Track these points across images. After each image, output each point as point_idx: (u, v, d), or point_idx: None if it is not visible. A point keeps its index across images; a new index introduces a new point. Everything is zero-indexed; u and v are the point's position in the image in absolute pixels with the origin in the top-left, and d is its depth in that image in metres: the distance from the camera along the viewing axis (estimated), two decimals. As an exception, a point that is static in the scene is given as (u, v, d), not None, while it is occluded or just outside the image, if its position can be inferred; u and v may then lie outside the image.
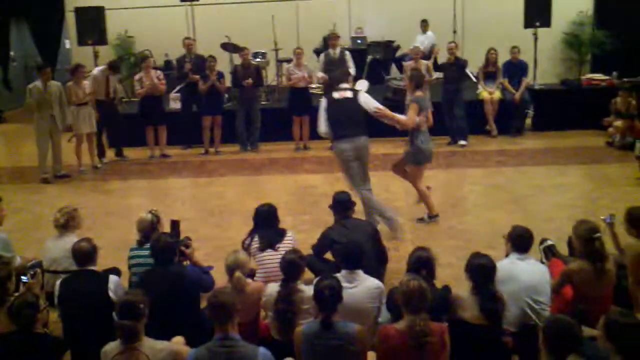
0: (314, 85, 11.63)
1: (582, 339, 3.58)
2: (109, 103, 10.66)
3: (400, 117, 7.20)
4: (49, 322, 4.91)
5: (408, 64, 11.19)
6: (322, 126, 6.90)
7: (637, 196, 7.74)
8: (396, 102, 11.36)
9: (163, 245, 4.72)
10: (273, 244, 5.38)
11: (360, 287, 4.47)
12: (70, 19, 14.54)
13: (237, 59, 11.58)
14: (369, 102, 6.93)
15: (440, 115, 10.95)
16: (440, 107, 10.94)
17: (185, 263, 5.07)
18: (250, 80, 10.74)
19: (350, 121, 6.81)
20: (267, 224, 5.58)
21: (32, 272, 5.12)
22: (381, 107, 6.97)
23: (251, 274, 5.17)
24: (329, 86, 7.60)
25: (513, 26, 12.30)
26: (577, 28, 14.10)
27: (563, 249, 5.64)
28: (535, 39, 11.70)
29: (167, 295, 4.46)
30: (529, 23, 11.71)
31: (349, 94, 6.96)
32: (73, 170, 10.25)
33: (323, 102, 7.01)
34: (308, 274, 5.18)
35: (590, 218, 5.02)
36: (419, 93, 7.22)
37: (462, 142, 10.89)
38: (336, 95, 6.94)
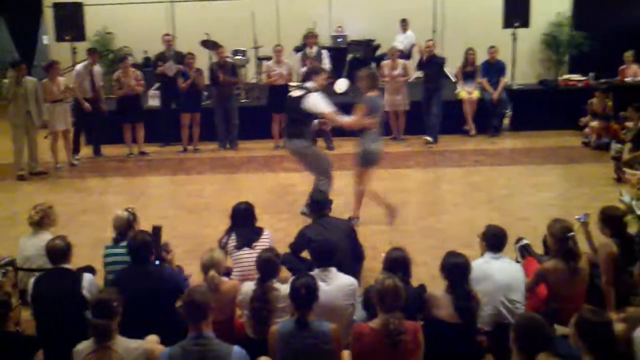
0: (293, 83, 11.61)
1: (552, 337, 3.61)
2: (95, 100, 10.57)
3: (345, 119, 7.12)
4: (20, 320, 4.87)
5: (385, 63, 11.22)
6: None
7: (612, 196, 7.76)
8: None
9: (140, 243, 4.68)
10: (250, 242, 5.36)
11: (333, 285, 4.47)
12: (48, 14, 14.40)
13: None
14: (317, 105, 6.94)
15: (420, 114, 11.02)
16: (420, 106, 10.99)
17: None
18: (222, 75, 10.72)
19: (289, 121, 7.17)
20: (244, 223, 5.56)
21: (3, 270, 5.08)
22: (328, 111, 6.96)
23: (227, 273, 5.16)
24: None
25: (492, 26, 12.40)
26: (555, 29, 14.22)
27: (539, 248, 5.69)
28: (514, 39, 11.79)
29: (143, 294, 4.42)
30: (508, 23, 11.82)
31: (298, 94, 7.06)
32: (49, 167, 10.16)
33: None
34: (286, 272, 5.19)
35: (565, 217, 5.06)
36: (372, 94, 7.08)
37: (428, 138, 10.87)
38: (291, 93, 7.27)
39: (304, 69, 10.57)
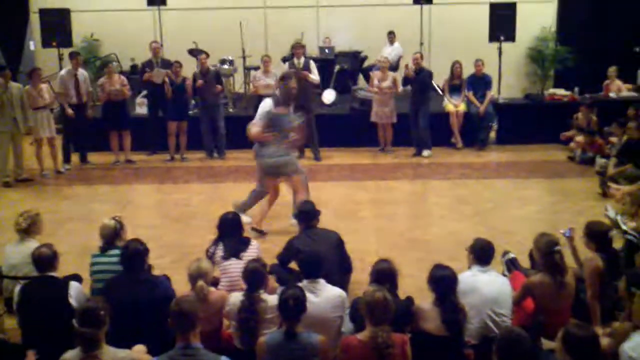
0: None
1: (534, 352, 3.61)
2: (80, 106, 10.51)
3: (251, 130, 7.24)
4: (3, 328, 4.83)
5: (375, 74, 11.28)
6: None
7: (597, 211, 7.84)
8: (363, 112, 11.51)
9: (132, 252, 4.67)
10: (237, 252, 5.35)
11: (322, 296, 4.48)
12: (34, 20, 14.34)
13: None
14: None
15: (407, 126, 11.07)
16: (407, 118, 11.05)
17: None
18: (200, 82, 10.72)
19: None
20: (231, 233, 5.54)
21: (-13, 278, 5.05)
22: (251, 123, 7.20)
23: (214, 283, 5.14)
24: None
25: (478, 40, 12.50)
26: (540, 43, 14.38)
27: (524, 262, 5.72)
28: (500, 53, 11.89)
29: (133, 303, 4.41)
30: (493, 37, 11.91)
31: None
32: (35, 175, 10.09)
33: None
34: (274, 283, 5.18)
35: (551, 231, 5.09)
36: (280, 110, 7.13)
37: (426, 153, 10.97)
38: None
39: None
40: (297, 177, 7.33)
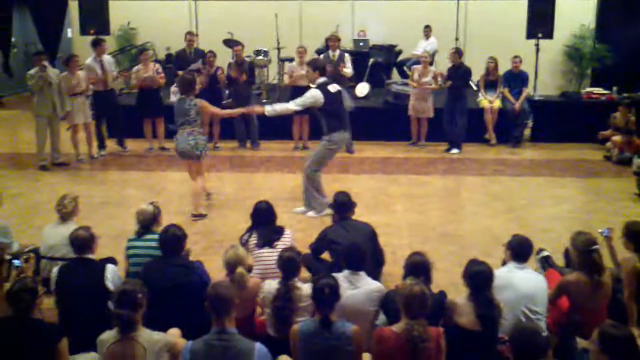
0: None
1: (546, 348, 3.60)
2: (107, 92, 10.61)
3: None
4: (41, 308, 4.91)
5: (416, 68, 11.20)
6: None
7: (634, 211, 7.78)
8: (396, 106, 11.46)
9: (171, 237, 4.74)
10: (271, 241, 5.37)
11: (361, 289, 4.48)
12: (73, 7, 14.53)
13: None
14: None
15: (439, 121, 11.00)
16: (442, 113, 10.98)
17: None
18: (244, 76, 10.76)
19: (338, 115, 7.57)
20: (265, 221, 5.57)
21: (25, 257, 5.13)
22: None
23: (248, 270, 5.17)
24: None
25: (515, 36, 12.39)
26: (578, 41, 14.18)
27: (559, 260, 5.67)
28: (537, 50, 11.74)
29: (170, 287, 4.47)
30: (531, 34, 11.76)
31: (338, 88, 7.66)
32: (71, 159, 10.23)
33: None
34: (304, 272, 5.20)
35: (586, 230, 5.03)
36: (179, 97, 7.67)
37: (455, 151, 10.88)
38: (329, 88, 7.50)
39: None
40: None
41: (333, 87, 7.53)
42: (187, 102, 7.49)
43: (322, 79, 7.49)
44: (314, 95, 7.33)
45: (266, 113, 7.56)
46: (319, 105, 7.37)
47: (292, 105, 7.51)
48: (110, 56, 11.27)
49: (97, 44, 10.57)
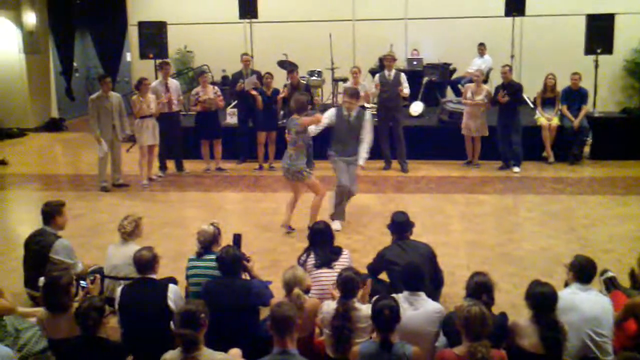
0: (368, 105, 11.65)
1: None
2: (172, 115, 10.80)
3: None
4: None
5: (469, 86, 11.11)
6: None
7: (701, 231, 7.52)
8: (451, 125, 11.38)
9: (231, 258, 4.80)
10: (329, 261, 5.39)
11: (421, 310, 4.45)
12: (132, 32, 14.94)
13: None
14: None
15: (493, 139, 10.87)
16: (495, 131, 10.85)
17: (244, 276, 5.14)
18: (287, 92, 10.88)
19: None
20: (323, 242, 5.59)
21: (91, 278, 5.25)
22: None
23: (306, 291, 5.19)
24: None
25: (573, 52, 12.21)
26: (638, 56, 13.85)
27: (624, 281, 5.51)
28: (596, 66, 11.50)
29: (231, 307, 4.51)
30: (590, 50, 11.54)
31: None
32: (131, 180, 10.46)
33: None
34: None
35: (652, 251, 4.90)
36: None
37: (516, 170, 10.71)
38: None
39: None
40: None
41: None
42: (294, 122, 7.69)
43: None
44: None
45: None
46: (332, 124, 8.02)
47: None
48: (176, 80, 11.45)
49: (162, 67, 10.84)
